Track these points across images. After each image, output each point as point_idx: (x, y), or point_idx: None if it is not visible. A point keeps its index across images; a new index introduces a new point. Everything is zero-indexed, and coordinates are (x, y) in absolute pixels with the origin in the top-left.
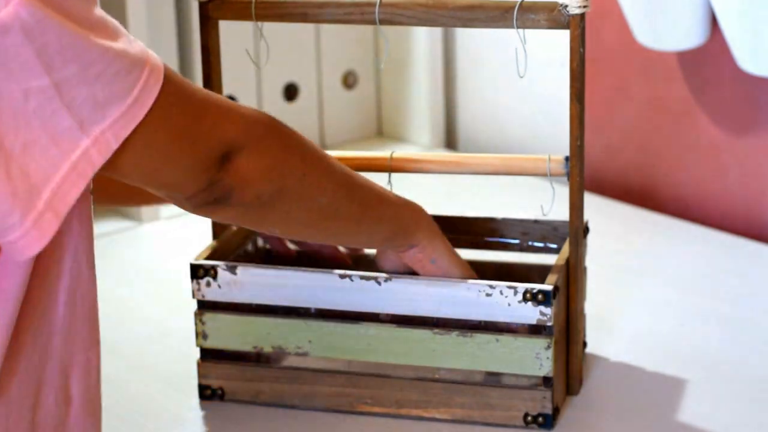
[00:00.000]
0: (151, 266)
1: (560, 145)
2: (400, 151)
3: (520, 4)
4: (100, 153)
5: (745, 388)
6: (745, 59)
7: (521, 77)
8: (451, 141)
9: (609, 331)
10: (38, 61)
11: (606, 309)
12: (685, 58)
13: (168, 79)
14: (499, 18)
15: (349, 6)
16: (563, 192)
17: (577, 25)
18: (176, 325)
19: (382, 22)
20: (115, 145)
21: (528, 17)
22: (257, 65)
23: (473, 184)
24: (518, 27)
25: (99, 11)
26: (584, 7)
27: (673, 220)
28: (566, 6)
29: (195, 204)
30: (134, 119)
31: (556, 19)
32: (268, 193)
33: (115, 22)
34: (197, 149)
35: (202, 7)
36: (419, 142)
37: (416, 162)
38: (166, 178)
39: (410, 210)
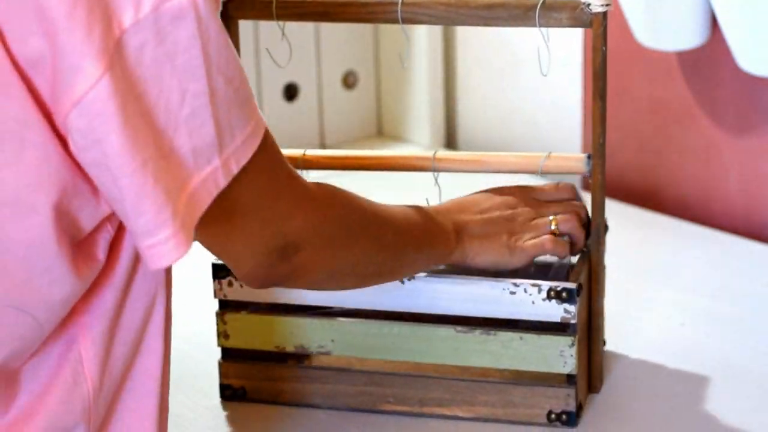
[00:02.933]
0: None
1: (560, 144)
2: (405, 151)
3: (543, 2)
4: (224, 176)
5: (754, 387)
6: (745, 59)
7: (545, 75)
8: (451, 141)
9: (614, 330)
10: (202, 60)
11: (607, 309)
12: (685, 58)
13: (267, 135)
14: (522, 16)
15: (371, 5)
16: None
17: (599, 24)
18: (197, 325)
19: (404, 21)
20: (235, 170)
21: (550, 16)
22: (277, 64)
23: (471, 186)
24: (541, 26)
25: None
26: (607, 5)
27: (673, 220)
28: (589, 4)
29: (248, 283)
30: (252, 147)
31: (579, 17)
32: (322, 277)
33: None
34: (264, 232)
35: (223, 7)
36: (419, 142)
37: (460, 162)
38: (224, 247)
39: (443, 242)
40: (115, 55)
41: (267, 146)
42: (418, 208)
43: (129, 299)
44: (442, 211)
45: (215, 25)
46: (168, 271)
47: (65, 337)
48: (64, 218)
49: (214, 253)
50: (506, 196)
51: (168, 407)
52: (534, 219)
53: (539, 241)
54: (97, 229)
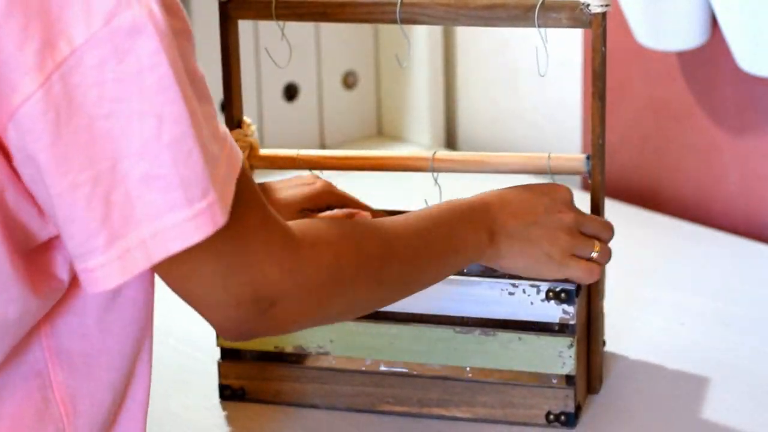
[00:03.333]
0: None
1: (560, 145)
2: (404, 152)
3: (542, 3)
4: (222, 211)
5: (754, 387)
6: (745, 59)
7: (542, 76)
8: (451, 141)
9: (614, 330)
10: (174, 79)
11: (607, 309)
12: (685, 58)
13: (244, 173)
14: (521, 17)
15: (370, 5)
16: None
17: (599, 24)
18: (196, 325)
19: (404, 21)
20: (228, 206)
21: (550, 16)
22: (276, 65)
23: (473, 185)
24: (540, 26)
25: (198, 67)
26: (606, 5)
27: (673, 220)
28: (588, 5)
29: (219, 332)
30: (228, 193)
31: (578, 17)
32: (310, 325)
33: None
34: (229, 280)
35: (222, 7)
36: (419, 142)
37: (459, 162)
38: (189, 289)
39: (467, 240)
40: (57, 73)
41: (241, 182)
42: (450, 208)
43: (110, 324)
44: (481, 207)
45: (176, 47)
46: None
47: (30, 359)
48: (12, 230)
49: (176, 293)
50: (556, 201)
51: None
52: (577, 235)
53: (589, 269)
54: (51, 246)
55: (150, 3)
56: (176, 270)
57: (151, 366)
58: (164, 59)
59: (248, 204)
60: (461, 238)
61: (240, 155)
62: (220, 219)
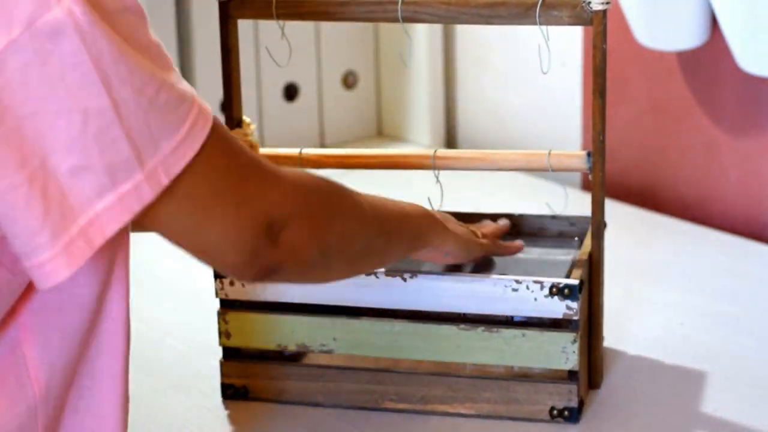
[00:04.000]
0: (173, 266)
1: (560, 145)
2: (405, 150)
3: (543, 0)
4: (152, 189)
5: (752, 385)
6: (745, 59)
7: (545, 73)
8: (450, 141)
9: (613, 328)
10: (96, 75)
11: (606, 308)
12: (685, 58)
13: (216, 127)
14: (522, 15)
15: (371, 4)
16: (555, 189)
17: (599, 22)
18: (198, 324)
19: (405, 20)
20: (165, 181)
21: (551, 14)
22: (277, 64)
23: (473, 184)
24: (541, 24)
25: (152, 36)
26: (606, 3)
27: (673, 220)
28: (589, 2)
29: (241, 276)
30: (184, 157)
31: (579, 15)
32: (315, 258)
33: (168, 54)
34: (240, 214)
35: (223, 6)
36: (419, 141)
37: (461, 159)
38: (205, 240)
39: (420, 216)
40: None
41: (218, 137)
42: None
43: (74, 299)
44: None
45: (104, 36)
46: (125, 270)
47: (6, 340)
48: None
49: (193, 253)
50: None
51: (129, 405)
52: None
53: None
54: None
55: (69, 2)
56: (189, 222)
57: (128, 282)
58: (86, 57)
59: (234, 149)
60: (406, 209)
61: (209, 110)
62: (148, 195)
